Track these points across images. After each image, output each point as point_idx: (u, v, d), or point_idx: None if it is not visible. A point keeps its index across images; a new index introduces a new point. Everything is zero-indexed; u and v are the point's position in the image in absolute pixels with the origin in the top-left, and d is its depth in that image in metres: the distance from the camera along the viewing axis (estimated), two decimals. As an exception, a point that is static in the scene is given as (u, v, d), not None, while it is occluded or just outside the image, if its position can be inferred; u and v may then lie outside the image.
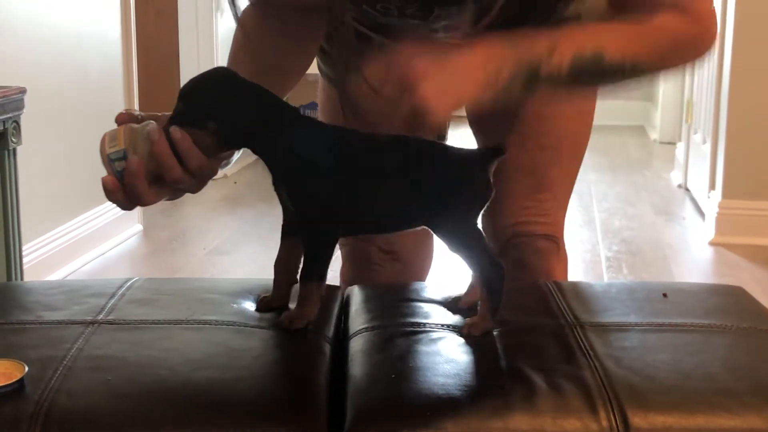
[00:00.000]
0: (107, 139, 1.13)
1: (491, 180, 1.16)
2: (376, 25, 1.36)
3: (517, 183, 1.51)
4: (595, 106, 1.56)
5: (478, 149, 1.20)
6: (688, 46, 1.20)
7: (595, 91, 1.33)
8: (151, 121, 1.14)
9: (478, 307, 1.19)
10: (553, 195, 1.56)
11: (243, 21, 1.32)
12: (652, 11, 1.17)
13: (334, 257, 1.18)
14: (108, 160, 1.12)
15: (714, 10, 1.23)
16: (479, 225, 1.18)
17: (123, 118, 1.16)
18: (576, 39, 1.14)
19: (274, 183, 1.16)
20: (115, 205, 1.15)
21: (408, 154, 1.15)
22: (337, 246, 1.20)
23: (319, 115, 1.59)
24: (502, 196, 1.16)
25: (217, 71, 1.16)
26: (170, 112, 1.15)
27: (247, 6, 1.33)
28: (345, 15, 1.11)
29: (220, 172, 1.20)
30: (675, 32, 1.18)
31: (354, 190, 1.14)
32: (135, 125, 1.14)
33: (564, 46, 1.11)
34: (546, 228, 1.56)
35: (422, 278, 1.66)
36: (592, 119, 1.56)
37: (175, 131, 1.11)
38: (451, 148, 1.17)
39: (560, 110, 1.50)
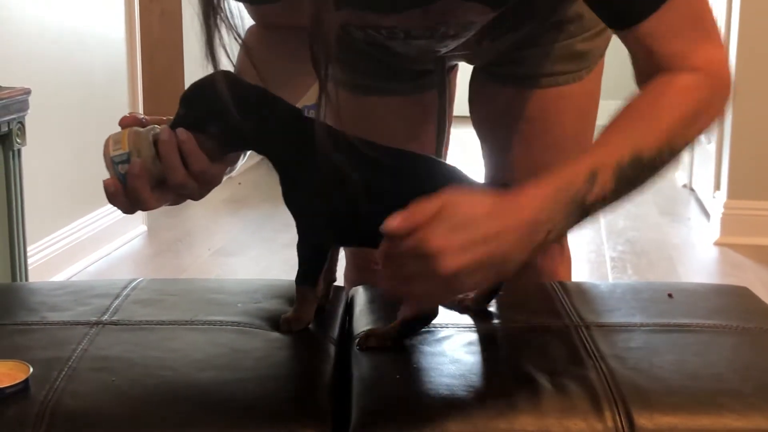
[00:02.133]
0: (111, 142, 1.12)
1: None
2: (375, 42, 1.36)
3: (520, 183, 1.50)
4: (599, 105, 1.56)
5: (485, 183, 1.17)
6: (711, 104, 1.13)
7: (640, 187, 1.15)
8: (156, 126, 1.14)
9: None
10: None
11: (246, 41, 1.32)
12: (669, 76, 1.10)
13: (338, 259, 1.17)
14: (111, 163, 1.12)
15: (726, 55, 1.15)
16: None
17: (127, 121, 1.15)
18: (610, 150, 1.06)
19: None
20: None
21: (411, 168, 1.13)
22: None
23: None
24: None
25: (219, 75, 1.16)
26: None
27: (251, 26, 1.33)
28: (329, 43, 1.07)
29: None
30: (696, 93, 1.10)
31: (351, 196, 1.12)
32: (140, 129, 1.14)
33: (603, 165, 1.04)
34: None
35: None
36: (595, 118, 1.56)
37: (182, 132, 1.11)
38: (457, 171, 1.13)
39: (564, 109, 1.50)
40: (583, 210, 1.04)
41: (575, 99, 1.50)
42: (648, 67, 1.12)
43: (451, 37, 1.29)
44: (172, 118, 1.15)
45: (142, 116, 1.17)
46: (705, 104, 1.11)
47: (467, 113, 1.56)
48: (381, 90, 1.51)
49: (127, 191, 1.11)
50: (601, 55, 1.51)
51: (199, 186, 1.14)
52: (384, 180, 1.11)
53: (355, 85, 1.50)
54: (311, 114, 1.11)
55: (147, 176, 1.11)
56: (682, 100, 1.09)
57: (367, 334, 1.17)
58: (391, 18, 1.23)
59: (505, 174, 1.49)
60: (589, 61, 1.48)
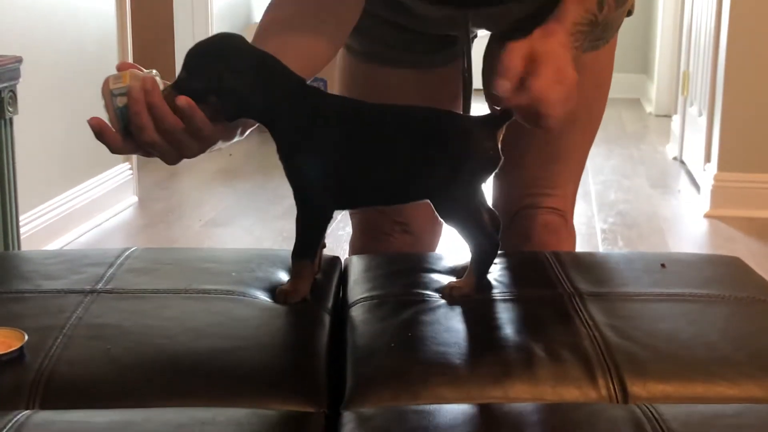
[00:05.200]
0: (111, 79, 1.13)
1: (499, 147, 1.15)
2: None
3: (530, 153, 1.49)
4: (611, 77, 1.54)
5: (484, 116, 1.18)
6: None
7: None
8: (154, 70, 1.14)
9: (466, 272, 1.19)
10: (566, 166, 1.54)
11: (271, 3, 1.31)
12: None
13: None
14: (110, 95, 1.12)
15: None
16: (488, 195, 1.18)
17: (125, 66, 1.15)
18: None
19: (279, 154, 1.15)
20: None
21: (414, 123, 1.14)
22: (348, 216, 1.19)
23: (340, 92, 1.57)
24: (514, 166, 1.15)
25: (223, 39, 1.15)
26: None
27: None
28: None
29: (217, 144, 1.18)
30: None
31: (356, 161, 1.13)
32: (138, 71, 1.13)
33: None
34: (555, 201, 1.54)
35: (432, 250, 1.65)
36: (608, 90, 1.55)
37: (181, 99, 1.10)
38: (457, 115, 1.15)
39: (581, 78, 1.49)
40: (594, 27, 1.28)
41: (591, 68, 1.48)
42: None
43: None
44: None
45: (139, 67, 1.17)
46: None
47: (478, 86, 1.54)
48: (396, 61, 1.49)
49: (130, 113, 1.10)
50: (618, 27, 1.50)
51: (195, 141, 1.13)
52: (392, 135, 1.12)
53: (370, 54, 1.49)
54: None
55: (144, 100, 1.10)
56: None
57: (452, 286, 1.19)
58: None
59: (519, 143, 1.48)
60: (608, 33, 1.47)
